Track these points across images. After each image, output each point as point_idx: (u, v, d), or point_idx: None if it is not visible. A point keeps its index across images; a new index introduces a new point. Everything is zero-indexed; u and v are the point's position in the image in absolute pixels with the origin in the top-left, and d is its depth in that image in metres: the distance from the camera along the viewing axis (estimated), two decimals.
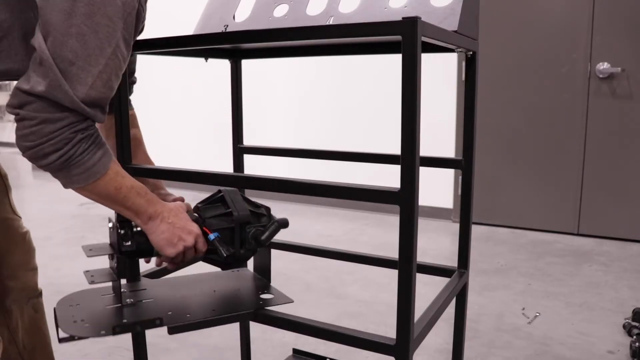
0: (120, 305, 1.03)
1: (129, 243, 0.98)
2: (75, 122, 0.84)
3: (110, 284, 1.06)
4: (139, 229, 1.00)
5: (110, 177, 0.90)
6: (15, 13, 0.88)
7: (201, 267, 1.20)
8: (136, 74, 1.30)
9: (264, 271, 1.24)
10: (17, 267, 1.20)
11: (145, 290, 1.13)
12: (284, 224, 1.09)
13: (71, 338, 0.91)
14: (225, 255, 1.01)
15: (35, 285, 1.31)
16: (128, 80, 1.13)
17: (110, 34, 0.83)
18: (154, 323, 0.96)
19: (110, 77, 0.86)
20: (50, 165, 0.85)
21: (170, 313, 1.01)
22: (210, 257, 1.06)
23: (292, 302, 1.09)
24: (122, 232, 0.98)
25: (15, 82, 0.87)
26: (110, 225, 1.00)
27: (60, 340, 0.91)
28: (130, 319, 0.98)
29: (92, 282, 0.99)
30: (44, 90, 0.80)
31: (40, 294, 1.34)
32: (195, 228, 1.01)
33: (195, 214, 1.06)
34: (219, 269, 1.13)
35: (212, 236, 1.02)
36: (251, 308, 1.04)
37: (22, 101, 0.82)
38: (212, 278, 1.23)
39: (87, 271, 1.03)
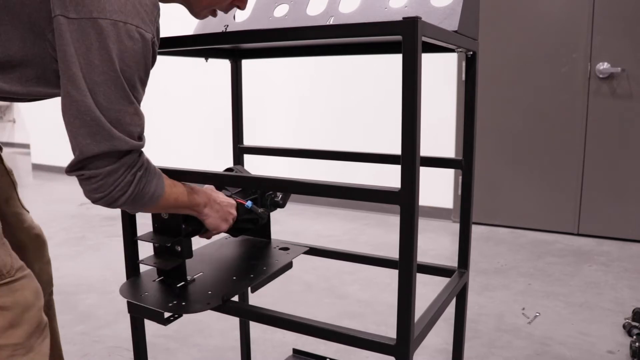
0: (186, 282, 1.12)
1: (184, 226, 1.10)
2: (132, 163, 0.92)
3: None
4: None
5: (168, 192, 1.00)
6: (28, 43, 0.89)
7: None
8: None
9: (265, 232, 1.39)
10: (32, 261, 1.20)
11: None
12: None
13: (176, 316, 1.05)
14: (265, 215, 1.22)
15: (50, 278, 1.31)
16: None
17: (132, 76, 0.88)
18: (245, 283, 1.12)
19: (140, 111, 0.93)
20: (123, 205, 0.94)
21: (234, 278, 1.15)
22: (237, 225, 1.22)
23: (308, 249, 1.34)
24: (183, 215, 1.09)
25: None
26: (165, 214, 1.10)
27: (166, 322, 1.03)
28: (213, 289, 1.09)
29: (164, 267, 1.10)
30: (102, 148, 0.86)
31: (52, 291, 1.34)
32: (232, 200, 1.17)
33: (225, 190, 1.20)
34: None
35: (249, 204, 1.19)
36: (286, 261, 1.24)
37: (83, 164, 0.88)
38: (220, 246, 1.35)
39: (142, 260, 1.13)
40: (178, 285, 1.11)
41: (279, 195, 1.28)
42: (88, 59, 0.83)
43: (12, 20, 0.86)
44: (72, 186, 5.33)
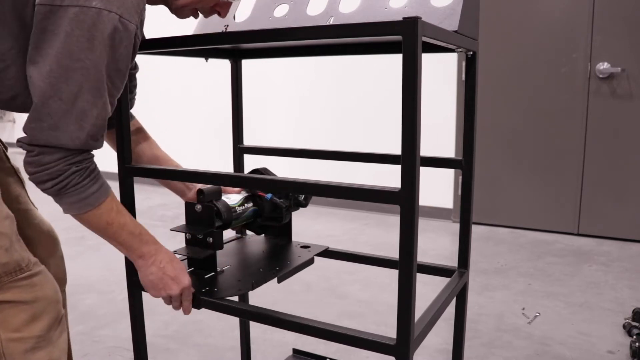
0: (215, 272, 1.18)
1: (216, 222, 1.15)
2: (69, 155, 0.90)
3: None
4: (226, 200, 1.19)
5: (102, 211, 0.96)
6: (20, 40, 0.89)
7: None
8: (137, 77, 1.30)
9: (286, 232, 1.42)
10: (45, 257, 1.20)
11: None
12: None
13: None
14: (285, 205, 1.26)
15: (64, 274, 1.31)
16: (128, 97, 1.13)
17: (110, 67, 0.87)
18: (272, 273, 1.17)
19: (107, 112, 0.92)
20: (47, 191, 0.92)
21: (261, 270, 1.19)
22: (263, 223, 1.30)
23: (327, 247, 1.37)
24: (216, 209, 1.15)
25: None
26: (199, 207, 1.14)
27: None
28: (242, 278, 1.14)
29: (197, 256, 1.15)
30: (45, 137, 0.86)
31: (64, 289, 1.33)
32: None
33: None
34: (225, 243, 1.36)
35: (269, 196, 1.25)
36: (308, 257, 1.27)
37: (29, 140, 0.89)
38: (245, 244, 1.40)
39: (175, 251, 1.15)
40: (208, 276, 1.16)
41: (302, 195, 1.32)
42: (67, 45, 0.82)
43: (2, 17, 0.86)
44: None
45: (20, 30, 0.88)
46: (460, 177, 1.39)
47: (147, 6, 0.96)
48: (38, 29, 0.84)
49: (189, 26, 1.45)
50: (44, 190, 0.93)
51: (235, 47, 1.39)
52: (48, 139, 0.87)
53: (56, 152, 0.88)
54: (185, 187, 1.30)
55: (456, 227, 3.57)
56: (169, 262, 1.06)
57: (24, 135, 0.89)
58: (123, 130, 1.10)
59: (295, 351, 1.66)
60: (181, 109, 4.92)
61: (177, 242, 1.31)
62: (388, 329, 2.09)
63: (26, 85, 0.91)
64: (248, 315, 1.08)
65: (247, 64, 1.55)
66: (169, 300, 1.07)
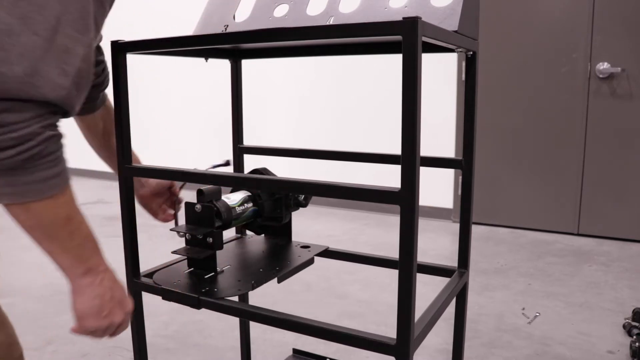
0: (215, 273, 1.17)
1: (216, 222, 1.15)
2: (45, 114, 0.67)
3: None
4: (226, 200, 1.17)
5: (67, 198, 0.72)
6: None
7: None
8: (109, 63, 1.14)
9: (286, 232, 1.42)
10: None
11: None
12: None
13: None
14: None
15: None
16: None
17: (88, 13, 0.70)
18: (272, 273, 1.17)
19: (93, 56, 0.73)
20: (3, 162, 0.65)
21: (261, 270, 1.19)
22: (263, 223, 1.30)
23: (327, 247, 1.36)
24: (216, 209, 1.15)
25: None
26: (199, 207, 1.14)
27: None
28: (242, 278, 1.14)
29: (197, 256, 1.15)
30: (19, 88, 0.64)
31: None
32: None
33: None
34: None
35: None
36: (308, 257, 1.27)
37: None
38: (245, 244, 1.40)
39: (175, 251, 1.15)
40: (208, 276, 1.17)
41: (302, 195, 1.32)
42: None
43: None
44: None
45: None
46: (460, 177, 1.39)
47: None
48: None
49: (189, 26, 1.46)
50: None
51: (235, 47, 1.39)
52: (22, 88, 0.63)
53: (28, 109, 0.64)
54: (139, 184, 1.20)
55: (456, 227, 3.57)
56: (115, 282, 0.82)
57: None
58: (123, 130, 1.10)
59: (295, 351, 1.66)
60: (181, 109, 4.92)
61: (176, 242, 1.31)
62: (388, 329, 2.09)
63: None
64: (248, 315, 1.08)
65: (247, 64, 1.55)
66: (100, 332, 0.82)
